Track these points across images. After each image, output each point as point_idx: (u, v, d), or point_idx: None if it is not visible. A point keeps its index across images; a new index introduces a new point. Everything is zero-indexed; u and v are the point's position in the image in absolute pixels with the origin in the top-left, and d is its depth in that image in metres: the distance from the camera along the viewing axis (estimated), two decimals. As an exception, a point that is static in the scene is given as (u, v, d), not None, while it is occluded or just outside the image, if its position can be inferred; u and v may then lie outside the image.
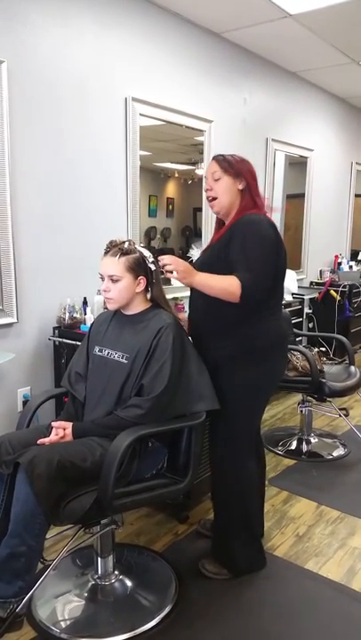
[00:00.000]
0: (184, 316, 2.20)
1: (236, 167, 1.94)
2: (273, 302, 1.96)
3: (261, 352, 1.92)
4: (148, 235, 3.41)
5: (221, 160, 1.95)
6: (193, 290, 1.98)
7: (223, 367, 1.93)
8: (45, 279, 2.73)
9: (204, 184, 2.21)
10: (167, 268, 1.82)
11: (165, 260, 1.83)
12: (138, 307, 1.91)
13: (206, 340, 1.96)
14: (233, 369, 1.93)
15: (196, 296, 1.97)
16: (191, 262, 1.98)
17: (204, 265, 1.93)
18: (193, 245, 3.79)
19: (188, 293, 2.09)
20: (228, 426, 1.98)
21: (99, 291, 1.89)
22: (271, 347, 1.96)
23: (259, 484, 2.18)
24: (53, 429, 1.81)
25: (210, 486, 2.17)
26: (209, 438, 2.08)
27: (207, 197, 2.00)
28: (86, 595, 1.96)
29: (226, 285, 1.79)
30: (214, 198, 1.97)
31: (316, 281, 5.19)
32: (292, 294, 4.33)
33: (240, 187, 1.94)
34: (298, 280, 4.81)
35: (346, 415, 3.21)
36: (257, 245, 1.82)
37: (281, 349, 2.04)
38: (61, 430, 1.79)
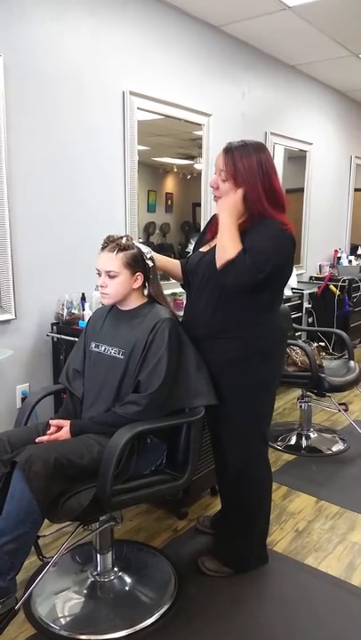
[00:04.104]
0: None
1: (242, 177, 1.77)
2: (275, 305, 1.91)
3: (264, 353, 1.88)
4: (147, 230, 3.39)
5: (230, 161, 1.77)
6: (190, 291, 1.94)
7: (227, 371, 1.87)
8: (43, 275, 2.72)
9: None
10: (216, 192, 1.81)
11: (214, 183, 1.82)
12: (134, 302, 1.89)
13: (204, 344, 1.89)
14: (237, 372, 1.87)
15: (196, 297, 1.89)
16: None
17: (211, 267, 1.80)
18: (192, 240, 3.77)
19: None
20: (243, 428, 1.93)
21: (97, 287, 1.87)
22: (274, 347, 1.92)
23: None
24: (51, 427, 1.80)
25: (220, 488, 2.13)
26: (219, 441, 2.00)
27: (213, 194, 1.86)
28: (86, 591, 1.96)
29: (225, 246, 1.72)
30: (219, 197, 1.82)
31: (315, 275, 5.18)
32: (292, 289, 4.31)
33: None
34: (297, 275, 4.81)
35: (345, 410, 3.21)
36: (268, 255, 1.71)
37: (282, 348, 2.03)
38: (54, 428, 1.79)
